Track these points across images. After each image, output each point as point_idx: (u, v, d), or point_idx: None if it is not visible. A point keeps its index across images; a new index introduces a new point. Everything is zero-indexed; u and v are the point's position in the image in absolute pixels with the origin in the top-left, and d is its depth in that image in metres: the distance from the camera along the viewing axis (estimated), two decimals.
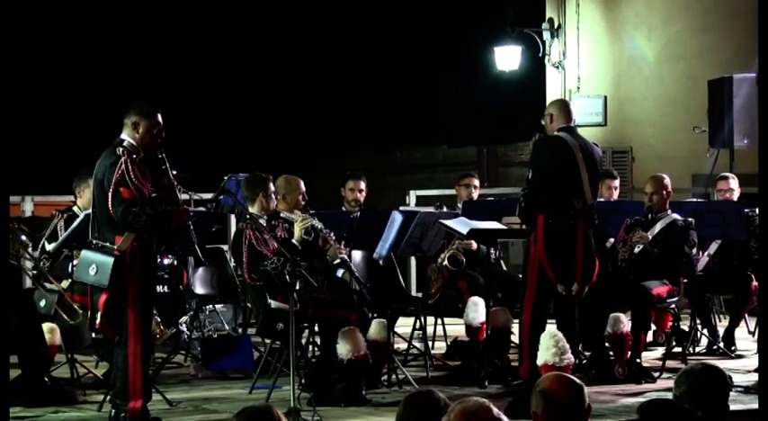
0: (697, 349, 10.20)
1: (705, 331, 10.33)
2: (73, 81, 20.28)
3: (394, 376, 8.73)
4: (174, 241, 9.68)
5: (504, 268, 11.07)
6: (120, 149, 7.14)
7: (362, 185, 10.25)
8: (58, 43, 20.57)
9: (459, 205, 10.64)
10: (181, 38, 21.58)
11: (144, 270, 7.21)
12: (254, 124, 22.71)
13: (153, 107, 7.37)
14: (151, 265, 7.45)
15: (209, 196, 10.83)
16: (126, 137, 7.26)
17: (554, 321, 8.60)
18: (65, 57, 20.61)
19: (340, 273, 9.32)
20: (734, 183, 10.58)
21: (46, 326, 8.57)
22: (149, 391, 7.35)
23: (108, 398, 7.45)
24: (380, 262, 9.32)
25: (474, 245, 10.23)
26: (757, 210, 9.93)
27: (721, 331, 10.43)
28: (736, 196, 10.55)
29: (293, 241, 8.41)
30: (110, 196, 7.08)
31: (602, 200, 10.00)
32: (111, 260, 7.06)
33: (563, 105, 8.86)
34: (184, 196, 8.78)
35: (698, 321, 10.15)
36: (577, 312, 8.56)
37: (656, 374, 9.00)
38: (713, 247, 10.26)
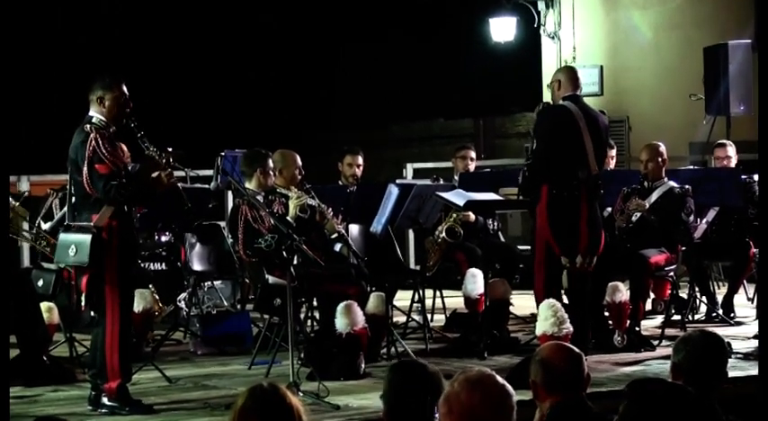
0: (696, 316, 10.22)
1: (704, 298, 10.34)
2: (73, 78, 20.14)
3: (393, 349, 8.73)
4: (172, 218, 9.67)
5: (503, 239, 11.06)
6: (89, 126, 7.08)
7: (360, 160, 10.23)
8: (58, 42, 20.52)
9: (456, 177, 10.62)
10: (180, 28, 21.50)
11: (122, 249, 7.12)
12: (249, 100, 22.65)
13: (116, 78, 7.27)
14: (131, 244, 7.31)
15: (203, 172, 10.81)
16: (94, 113, 7.18)
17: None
18: (65, 56, 20.53)
19: (338, 247, 9.31)
20: (731, 150, 10.56)
21: (44, 305, 8.57)
22: (128, 371, 7.26)
23: (88, 377, 7.42)
24: (378, 235, 9.30)
25: (472, 216, 10.22)
26: (755, 177, 9.94)
27: (720, 298, 10.44)
28: (733, 163, 10.53)
29: (288, 218, 8.40)
30: (85, 174, 7.02)
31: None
32: (89, 237, 7.01)
33: (570, 73, 8.75)
34: (180, 173, 8.76)
35: (696, 289, 10.15)
36: (589, 286, 8.53)
37: (656, 342, 9.00)
38: (711, 215, 10.25)
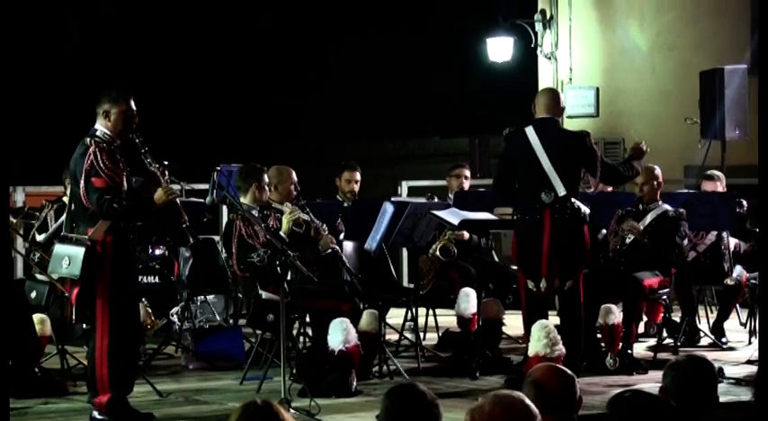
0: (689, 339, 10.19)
1: (697, 323, 10.30)
2: (70, 90, 20.15)
3: (385, 367, 8.73)
4: (166, 231, 9.66)
5: (496, 259, 11.06)
6: (89, 140, 7.08)
7: (358, 176, 10.29)
8: (48, 32, 20.49)
9: (451, 196, 10.64)
10: (178, 41, 21.53)
11: (116, 264, 7.10)
12: (245, 112, 22.66)
13: (124, 93, 7.26)
14: (126, 259, 7.26)
15: (198, 186, 10.82)
16: (99, 126, 7.19)
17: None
18: (62, 68, 20.55)
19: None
20: (720, 185, 10.48)
21: (36, 316, 8.56)
22: (122, 385, 7.22)
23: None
24: (372, 253, 9.31)
25: (466, 235, 10.24)
26: (744, 203, 10.00)
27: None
28: None
29: (281, 233, 8.40)
30: (82, 187, 7.02)
31: (590, 191, 9.99)
32: (82, 250, 7.01)
33: (545, 95, 8.81)
34: (175, 186, 8.77)
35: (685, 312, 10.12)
36: (581, 308, 8.54)
37: (648, 365, 9.00)
38: (710, 239, 10.20)
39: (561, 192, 8.43)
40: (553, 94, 8.90)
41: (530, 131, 8.54)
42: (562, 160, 8.47)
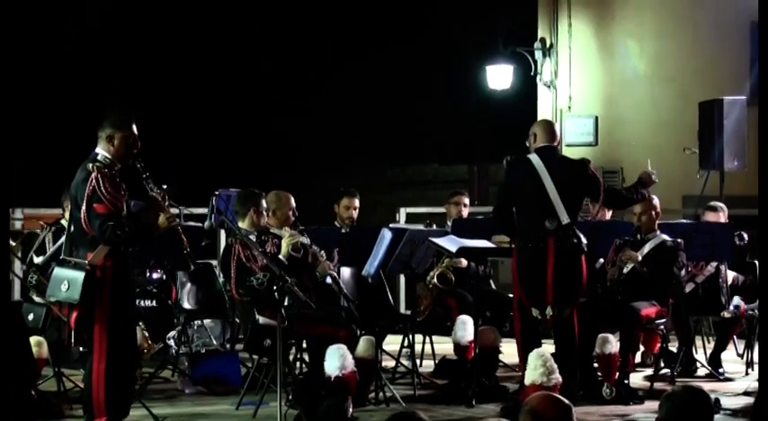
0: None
1: (695, 353, 10.29)
2: (69, 112, 20.18)
3: (381, 394, 8.72)
4: (164, 255, 9.66)
5: (494, 287, 11.06)
6: (91, 165, 7.07)
7: (356, 203, 10.28)
8: (45, 47, 20.53)
9: (449, 223, 10.64)
10: (178, 66, 21.59)
11: (114, 288, 7.09)
12: (243, 137, 22.70)
13: (126, 118, 7.25)
14: (125, 284, 7.25)
15: (197, 210, 10.82)
16: (101, 150, 7.18)
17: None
18: (62, 89, 20.58)
19: (329, 280, 9.25)
20: (722, 216, 10.50)
21: (33, 339, 8.55)
22: (118, 409, 7.19)
23: None
24: (369, 279, 9.31)
25: (464, 262, 10.24)
26: (745, 236, 9.99)
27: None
28: None
29: (280, 257, 8.41)
30: (83, 213, 7.02)
31: (588, 218, 10.00)
32: (82, 274, 7.01)
33: (546, 125, 8.86)
34: (173, 210, 8.77)
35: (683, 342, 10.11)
36: (576, 336, 8.54)
37: (644, 395, 8.98)
38: (709, 270, 10.20)
39: (564, 219, 8.45)
40: (550, 125, 8.96)
41: (535, 159, 8.55)
42: (566, 188, 8.49)
